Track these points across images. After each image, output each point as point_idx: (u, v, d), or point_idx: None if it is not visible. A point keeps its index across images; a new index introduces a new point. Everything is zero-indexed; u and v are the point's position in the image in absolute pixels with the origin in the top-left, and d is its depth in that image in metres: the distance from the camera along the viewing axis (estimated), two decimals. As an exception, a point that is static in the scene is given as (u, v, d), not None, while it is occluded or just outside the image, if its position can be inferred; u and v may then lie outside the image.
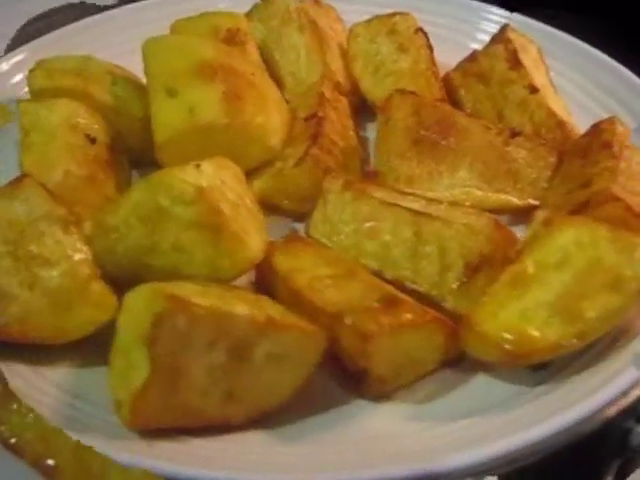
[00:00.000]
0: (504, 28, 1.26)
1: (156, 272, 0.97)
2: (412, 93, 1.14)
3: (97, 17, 1.40)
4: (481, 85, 1.25)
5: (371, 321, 0.86)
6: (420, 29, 1.30)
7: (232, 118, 1.10)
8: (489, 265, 0.96)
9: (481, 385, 0.92)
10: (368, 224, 1.02)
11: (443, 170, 1.11)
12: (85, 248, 0.94)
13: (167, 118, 1.10)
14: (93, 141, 1.11)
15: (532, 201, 1.10)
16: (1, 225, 0.92)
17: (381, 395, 0.89)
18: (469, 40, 1.35)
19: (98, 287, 0.93)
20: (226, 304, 0.84)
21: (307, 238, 1.05)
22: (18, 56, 1.32)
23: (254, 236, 0.99)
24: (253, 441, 0.85)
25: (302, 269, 0.97)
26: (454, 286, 0.96)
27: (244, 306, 0.85)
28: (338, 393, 0.90)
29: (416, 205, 1.01)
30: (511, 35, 1.25)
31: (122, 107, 1.18)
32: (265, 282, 0.99)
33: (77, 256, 0.94)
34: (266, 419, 0.86)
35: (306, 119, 1.17)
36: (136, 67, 1.23)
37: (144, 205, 0.97)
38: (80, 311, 0.92)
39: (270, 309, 0.88)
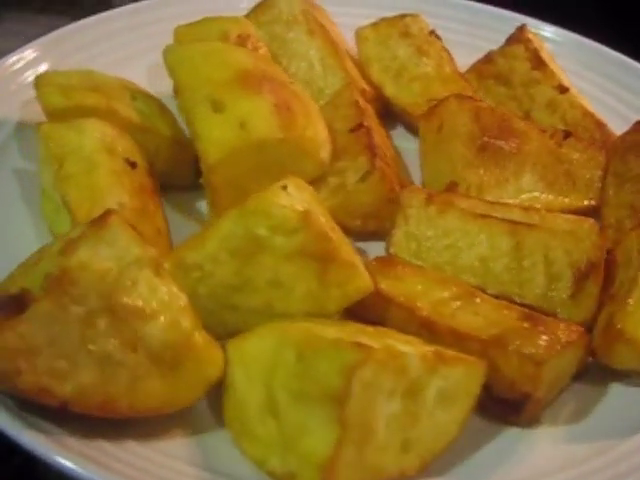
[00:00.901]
0: (522, 28, 1.24)
1: (243, 313, 0.86)
2: (470, 98, 1.10)
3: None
4: (502, 87, 1.23)
5: (534, 344, 0.80)
6: (433, 31, 1.27)
7: (286, 132, 1.00)
8: (596, 271, 0.94)
9: (618, 395, 0.89)
10: (461, 239, 0.96)
11: (509, 176, 1.07)
12: (182, 293, 0.81)
13: (218, 135, 0.97)
14: (134, 165, 0.95)
15: (592, 202, 1.10)
16: (92, 277, 0.76)
17: (534, 419, 0.84)
18: (478, 41, 1.32)
19: (202, 339, 0.80)
20: (393, 344, 0.75)
21: (399, 258, 0.97)
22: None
23: (360, 263, 0.90)
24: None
25: (417, 294, 0.89)
26: (565, 296, 0.92)
27: (406, 344, 0.76)
28: (481, 424, 0.84)
29: (510, 215, 0.97)
30: (530, 35, 1.24)
31: (149, 125, 1.03)
32: (370, 312, 0.90)
33: (176, 304, 0.80)
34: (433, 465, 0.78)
35: (352, 130, 1.09)
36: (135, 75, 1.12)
37: (236, 237, 0.85)
38: (189, 369, 0.78)
39: (420, 344, 0.80)
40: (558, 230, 0.95)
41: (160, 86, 1.13)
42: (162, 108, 1.07)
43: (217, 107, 0.99)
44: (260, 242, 0.84)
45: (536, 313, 0.87)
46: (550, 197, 1.08)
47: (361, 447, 0.71)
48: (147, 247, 0.80)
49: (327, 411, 0.69)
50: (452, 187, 1.03)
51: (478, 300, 0.88)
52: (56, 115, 0.98)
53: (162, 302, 0.79)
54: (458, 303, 0.87)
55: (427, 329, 0.85)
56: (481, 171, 1.06)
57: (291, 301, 0.86)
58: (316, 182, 1.04)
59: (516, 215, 0.97)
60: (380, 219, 1.04)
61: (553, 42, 1.32)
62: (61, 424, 0.74)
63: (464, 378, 0.78)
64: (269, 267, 0.85)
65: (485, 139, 1.07)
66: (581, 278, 0.93)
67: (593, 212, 1.07)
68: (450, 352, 0.78)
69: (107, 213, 0.80)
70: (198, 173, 1.01)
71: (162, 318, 0.78)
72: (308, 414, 0.70)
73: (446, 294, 0.89)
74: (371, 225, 1.04)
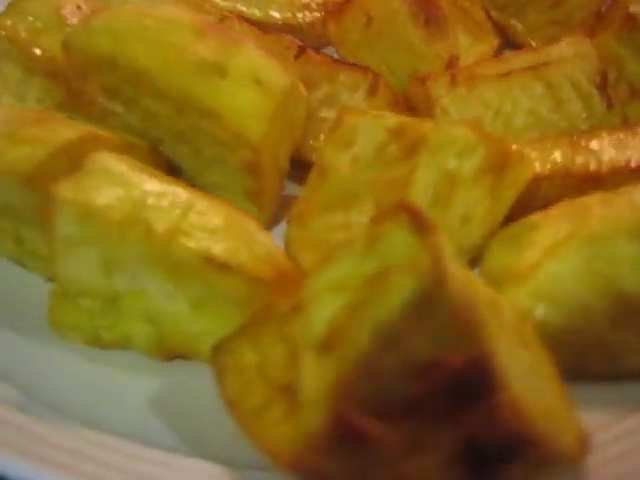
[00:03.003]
0: None
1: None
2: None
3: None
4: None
5: None
6: None
7: (288, 75, 0.86)
8: (606, 79, 1.01)
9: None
10: (502, 104, 0.95)
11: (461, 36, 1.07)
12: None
13: (245, 104, 0.79)
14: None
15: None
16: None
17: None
18: None
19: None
20: None
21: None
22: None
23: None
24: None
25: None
26: (602, 108, 0.99)
27: None
28: None
29: (523, 62, 0.97)
30: None
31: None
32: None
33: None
34: None
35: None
36: None
37: (433, 179, 0.75)
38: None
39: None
40: (567, 57, 0.99)
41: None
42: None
43: (220, 72, 0.80)
44: (452, 176, 0.74)
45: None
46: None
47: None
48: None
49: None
50: (453, 62, 1.00)
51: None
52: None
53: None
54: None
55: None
56: (443, 42, 1.03)
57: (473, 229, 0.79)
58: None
59: (527, 60, 0.98)
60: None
61: None
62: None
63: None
64: (461, 202, 0.76)
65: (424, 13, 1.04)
66: (603, 87, 1.00)
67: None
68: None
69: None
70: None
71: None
72: None
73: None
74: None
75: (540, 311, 0.70)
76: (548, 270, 0.70)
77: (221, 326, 0.65)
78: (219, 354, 0.59)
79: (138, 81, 0.80)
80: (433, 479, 0.47)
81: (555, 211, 0.80)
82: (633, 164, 0.85)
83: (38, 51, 0.91)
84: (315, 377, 0.53)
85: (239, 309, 0.64)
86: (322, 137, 0.93)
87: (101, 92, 0.84)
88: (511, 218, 0.84)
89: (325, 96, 0.97)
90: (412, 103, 0.99)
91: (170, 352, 0.70)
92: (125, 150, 0.75)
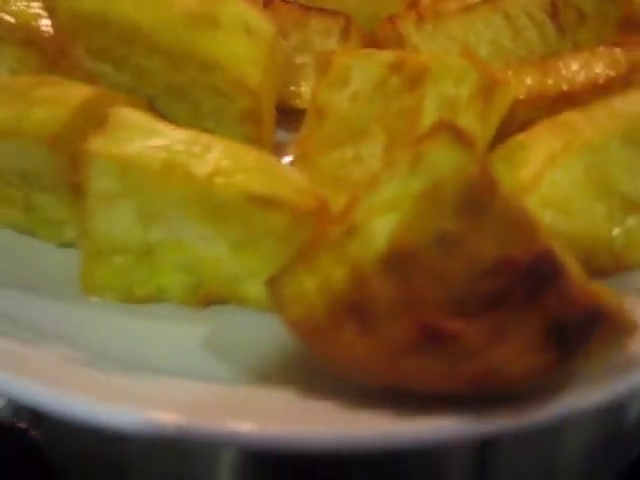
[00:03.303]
0: None
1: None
2: None
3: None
4: None
5: None
6: None
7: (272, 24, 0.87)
8: (556, 7, 1.07)
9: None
10: (467, 36, 0.99)
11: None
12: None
13: (243, 51, 0.81)
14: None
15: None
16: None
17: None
18: None
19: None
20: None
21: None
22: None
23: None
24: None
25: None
26: (555, 34, 1.05)
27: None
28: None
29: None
30: None
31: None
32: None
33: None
34: None
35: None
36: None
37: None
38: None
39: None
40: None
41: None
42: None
43: (212, 24, 0.81)
44: (452, 103, 0.78)
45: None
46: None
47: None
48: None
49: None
50: (415, 2, 1.03)
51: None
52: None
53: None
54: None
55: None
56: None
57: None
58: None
59: (481, -2, 1.04)
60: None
61: None
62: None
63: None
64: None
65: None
66: (554, 16, 1.06)
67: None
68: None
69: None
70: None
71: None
72: None
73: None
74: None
75: (547, 219, 0.75)
76: (550, 180, 0.76)
77: (263, 265, 0.67)
78: (276, 286, 0.62)
79: (131, 39, 0.80)
80: (520, 363, 0.52)
81: (538, 130, 0.86)
82: (600, 80, 0.92)
83: (11, 19, 0.90)
84: (386, 291, 0.57)
85: (282, 245, 0.66)
86: (303, 83, 0.97)
87: (88, 54, 0.84)
88: (491, 144, 0.90)
89: (297, 44, 1.00)
90: (379, 44, 1.02)
91: (207, 299, 0.71)
92: (130, 106, 0.75)
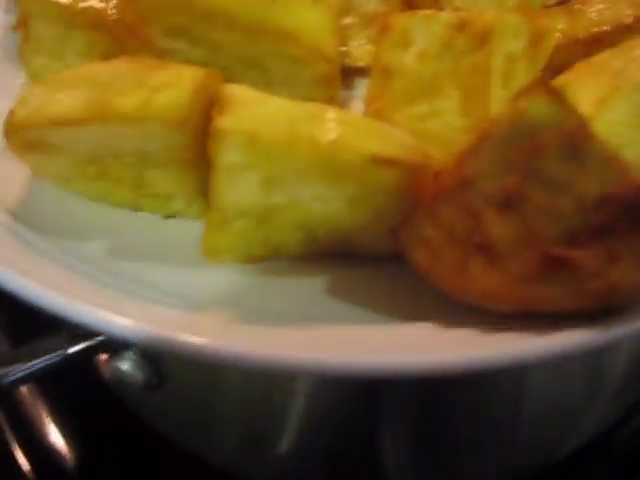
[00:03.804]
0: None
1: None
2: None
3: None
4: None
5: None
6: None
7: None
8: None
9: None
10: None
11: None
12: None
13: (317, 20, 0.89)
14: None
15: None
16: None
17: None
18: None
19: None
20: None
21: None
22: None
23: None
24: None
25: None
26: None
27: None
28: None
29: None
30: None
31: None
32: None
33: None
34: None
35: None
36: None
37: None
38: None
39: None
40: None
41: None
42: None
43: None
44: (513, 58, 0.86)
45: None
46: None
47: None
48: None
49: None
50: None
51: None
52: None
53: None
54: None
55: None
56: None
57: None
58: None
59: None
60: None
61: None
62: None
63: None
64: (518, 81, 0.87)
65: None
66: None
67: None
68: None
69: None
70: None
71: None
72: None
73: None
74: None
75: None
76: (604, 119, 0.85)
77: (374, 218, 0.76)
78: (401, 234, 0.71)
79: (212, 17, 0.86)
80: (638, 274, 0.63)
81: (578, 73, 0.95)
82: (627, 20, 1.01)
83: (79, 4, 0.94)
84: (506, 230, 0.66)
85: (391, 199, 0.75)
86: (350, 42, 1.04)
87: (164, 33, 0.90)
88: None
89: (342, 6, 1.07)
90: (418, 4, 1.09)
91: (322, 252, 0.80)
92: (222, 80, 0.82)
